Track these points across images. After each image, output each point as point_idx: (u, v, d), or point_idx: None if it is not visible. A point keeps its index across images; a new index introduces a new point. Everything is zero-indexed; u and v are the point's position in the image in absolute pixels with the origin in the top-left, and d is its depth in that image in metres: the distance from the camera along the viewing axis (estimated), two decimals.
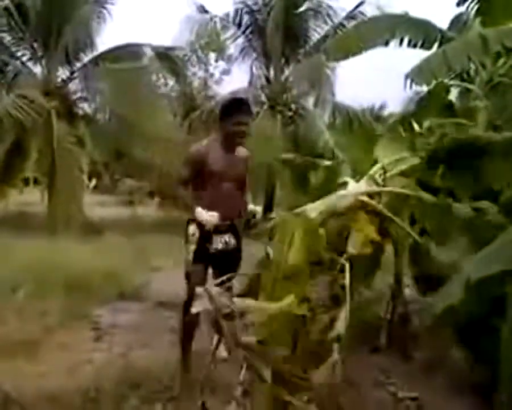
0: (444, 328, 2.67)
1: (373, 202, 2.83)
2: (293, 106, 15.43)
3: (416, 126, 5.25)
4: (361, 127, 14.01)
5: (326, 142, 13.76)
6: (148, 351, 4.08)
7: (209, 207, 3.41)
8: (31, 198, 18.09)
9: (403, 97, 14.35)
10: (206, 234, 3.43)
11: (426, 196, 3.15)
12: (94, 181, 27.61)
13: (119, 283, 6.01)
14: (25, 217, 13.47)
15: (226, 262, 3.46)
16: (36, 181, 19.79)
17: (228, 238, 3.53)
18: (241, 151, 3.63)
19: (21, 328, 4.30)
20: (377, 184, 3.02)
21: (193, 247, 3.45)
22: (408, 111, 6.20)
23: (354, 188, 2.94)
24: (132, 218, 14.23)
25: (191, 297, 3.29)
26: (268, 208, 14.13)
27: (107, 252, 7.49)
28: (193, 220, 3.46)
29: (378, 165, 3.19)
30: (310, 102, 15.40)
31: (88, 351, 4.18)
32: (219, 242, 3.48)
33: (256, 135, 13.79)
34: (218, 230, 3.45)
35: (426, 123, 5.29)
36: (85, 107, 14.47)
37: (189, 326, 3.48)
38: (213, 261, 3.52)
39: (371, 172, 3.09)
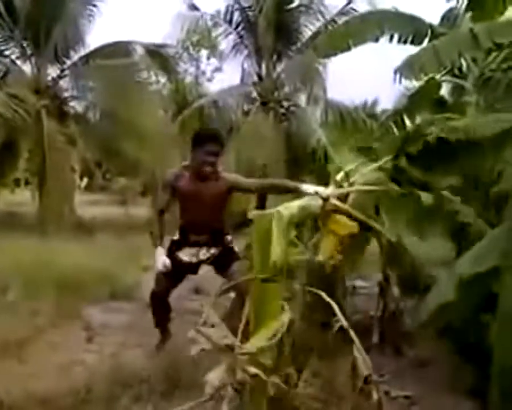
0: (436, 326, 2.65)
1: (341, 203, 2.81)
2: (285, 103, 15.41)
3: (408, 122, 5.26)
4: (353, 124, 14.06)
5: (318, 139, 13.75)
6: (139, 351, 4.05)
7: (184, 227, 3.92)
8: (21, 198, 17.98)
9: (396, 93, 14.38)
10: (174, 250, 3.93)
11: (394, 187, 3.19)
12: (85, 181, 27.52)
13: (111, 283, 5.97)
14: (16, 217, 13.38)
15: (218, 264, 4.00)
16: (27, 182, 19.68)
17: (204, 251, 3.91)
18: (219, 178, 3.84)
19: (12, 329, 4.25)
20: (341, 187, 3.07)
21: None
22: (400, 108, 6.21)
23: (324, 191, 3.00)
24: (124, 218, 14.18)
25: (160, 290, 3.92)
26: (261, 208, 14.11)
27: (99, 252, 7.45)
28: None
29: (341, 173, 3.33)
30: (302, 99, 15.39)
31: (79, 351, 4.16)
32: (191, 256, 3.90)
33: (248, 133, 13.82)
34: (194, 243, 3.90)
35: (418, 119, 5.30)
36: (76, 106, 14.38)
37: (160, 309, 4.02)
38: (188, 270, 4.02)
39: (337, 178, 3.20)
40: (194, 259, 3.92)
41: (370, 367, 2.03)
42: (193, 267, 4.01)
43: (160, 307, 4.01)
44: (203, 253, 3.92)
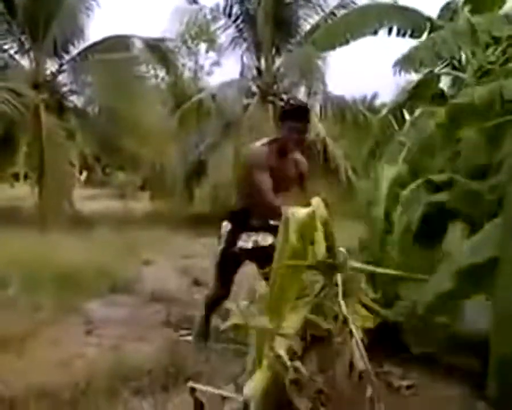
0: (435, 316, 2.67)
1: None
2: (284, 96, 15.38)
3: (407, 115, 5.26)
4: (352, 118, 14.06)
5: (317, 132, 13.75)
6: (140, 345, 4.06)
7: (246, 209, 3.67)
8: (21, 192, 17.97)
9: (395, 87, 14.38)
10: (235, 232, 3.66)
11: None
12: (84, 175, 27.49)
13: (111, 277, 5.98)
14: (15, 212, 13.37)
15: (262, 258, 3.52)
16: (26, 176, 19.67)
17: (261, 237, 3.62)
18: (296, 157, 3.72)
19: (12, 323, 4.26)
20: None
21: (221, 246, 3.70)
22: (400, 101, 6.22)
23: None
24: (124, 212, 14.18)
25: (217, 295, 3.87)
26: None
27: (98, 246, 7.45)
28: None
29: None
30: (301, 92, 15.37)
31: (79, 345, 4.16)
32: (249, 242, 3.63)
33: (247, 127, 13.79)
34: (251, 228, 3.64)
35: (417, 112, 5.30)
36: (75, 100, 14.36)
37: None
38: (245, 257, 3.71)
39: None
40: (250, 245, 3.63)
41: (366, 362, 2.05)
42: (251, 254, 3.67)
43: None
44: (262, 238, 3.62)
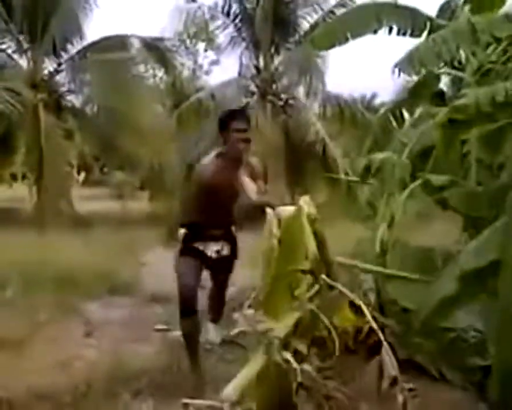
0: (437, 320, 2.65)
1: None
2: (283, 95, 15.37)
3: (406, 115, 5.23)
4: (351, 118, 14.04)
5: (317, 131, 13.74)
6: (139, 346, 4.05)
7: (199, 221, 3.56)
8: (19, 193, 17.93)
9: (395, 86, 14.37)
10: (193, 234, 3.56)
11: None
12: (83, 175, 27.44)
13: (109, 278, 5.97)
14: (13, 212, 13.35)
15: (220, 267, 3.67)
16: (24, 176, 19.65)
17: (221, 246, 3.61)
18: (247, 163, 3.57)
19: (11, 324, 4.25)
20: None
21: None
22: (399, 100, 6.19)
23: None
24: (122, 212, 14.15)
25: (186, 295, 3.44)
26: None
27: (97, 247, 7.44)
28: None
29: None
30: (300, 91, 15.36)
31: (78, 346, 4.16)
32: (212, 251, 3.57)
33: None
34: (211, 237, 3.57)
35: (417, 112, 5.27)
36: (73, 100, 14.32)
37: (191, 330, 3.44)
38: (205, 264, 3.59)
39: None
40: (214, 255, 3.59)
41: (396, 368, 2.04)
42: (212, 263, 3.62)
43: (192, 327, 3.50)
44: (222, 248, 3.62)
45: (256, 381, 2.18)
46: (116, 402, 3.11)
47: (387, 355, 2.09)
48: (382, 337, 2.13)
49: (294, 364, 2.04)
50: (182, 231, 3.57)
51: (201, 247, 3.54)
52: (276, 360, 2.05)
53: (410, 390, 3.16)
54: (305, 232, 2.34)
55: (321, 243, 2.43)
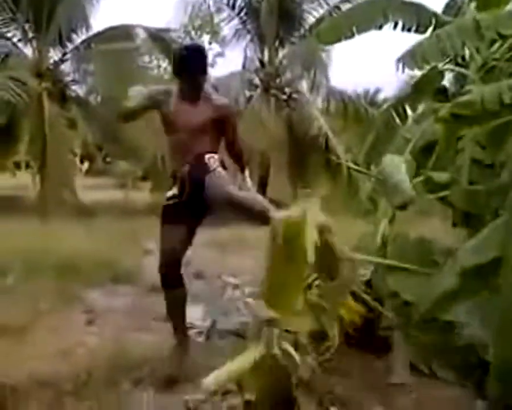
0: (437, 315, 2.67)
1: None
2: (287, 89, 15.35)
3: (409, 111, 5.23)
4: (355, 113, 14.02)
5: (320, 126, 13.73)
6: (140, 335, 4.08)
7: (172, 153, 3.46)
8: (22, 181, 17.97)
9: (398, 82, 14.33)
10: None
11: None
12: (86, 165, 27.45)
13: (112, 267, 5.99)
14: (17, 201, 13.38)
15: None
16: (28, 165, 19.68)
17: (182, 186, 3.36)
18: (212, 101, 3.40)
19: (13, 312, 4.27)
20: None
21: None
22: (402, 96, 6.19)
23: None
24: (125, 202, 14.18)
25: (167, 262, 3.47)
26: (261, 193, 14.11)
27: (100, 235, 7.46)
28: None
29: None
30: (304, 85, 15.33)
31: (80, 334, 4.17)
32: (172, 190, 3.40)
33: (249, 119, 13.77)
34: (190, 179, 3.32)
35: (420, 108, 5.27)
36: (77, 89, 14.34)
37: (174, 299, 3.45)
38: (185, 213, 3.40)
39: None
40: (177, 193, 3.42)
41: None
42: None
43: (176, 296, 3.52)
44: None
45: (255, 373, 2.20)
46: (117, 390, 3.14)
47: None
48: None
49: (296, 357, 2.05)
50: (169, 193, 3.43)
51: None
52: (275, 352, 2.06)
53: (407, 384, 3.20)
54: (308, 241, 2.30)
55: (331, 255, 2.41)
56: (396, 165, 3.18)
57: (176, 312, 3.47)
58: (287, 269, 2.24)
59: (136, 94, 3.43)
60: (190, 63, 3.28)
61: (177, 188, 3.37)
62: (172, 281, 3.44)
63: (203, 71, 3.36)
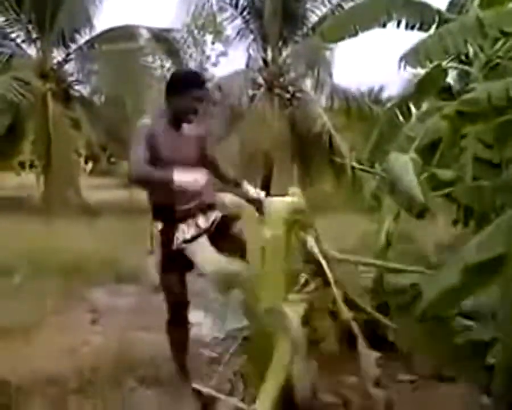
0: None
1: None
2: (290, 88, 15.34)
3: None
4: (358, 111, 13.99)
5: (323, 124, 13.72)
6: (145, 334, 4.08)
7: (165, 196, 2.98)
8: (27, 181, 18.02)
9: (402, 80, 14.31)
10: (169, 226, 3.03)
11: None
12: (90, 165, 27.51)
13: (116, 266, 6.01)
14: (21, 200, 13.43)
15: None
16: (32, 165, 19.73)
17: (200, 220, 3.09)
18: (194, 129, 3.14)
19: (18, 311, 4.29)
20: None
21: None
22: (406, 94, 6.18)
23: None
24: (129, 202, 14.18)
25: (175, 311, 3.24)
26: (265, 191, 14.09)
27: (104, 235, 7.48)
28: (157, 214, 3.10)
29: None
30: (308, 84, 15.33)
31: (85, 333, 4.19)
32: (188, 230, 3.04)
33: (253, 118, 13.78)
34: (183, 217, 3.03)
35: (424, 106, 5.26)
36: (81, 90, 14.38)
37: (180, 346, 3.25)
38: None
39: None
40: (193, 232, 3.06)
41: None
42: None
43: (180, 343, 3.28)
44: (202, 221, 3.10)
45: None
46: (121, 388, 3.15)
47: (365, 354, 2.11)
48: (358, 333, 2.16)
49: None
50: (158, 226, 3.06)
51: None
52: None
53: (411, 382, 3.20)
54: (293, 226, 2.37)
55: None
56: (404, 165, 3.15)
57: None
58: (278, 260, 2.26)
59: None
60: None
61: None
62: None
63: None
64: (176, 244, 3.01)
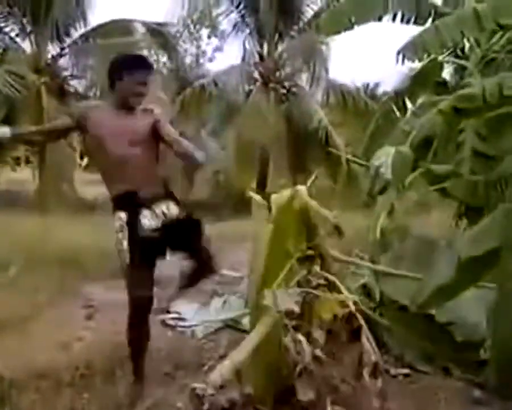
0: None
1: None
2: (286, 83, 15.33)
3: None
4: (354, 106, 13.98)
5: (319, 119, 13.71)
6: None
7: (113, 179, 2.94)
8: (22, 176, 17.97)
9: (398, 76, 14.29)
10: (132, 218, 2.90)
11: None
12: (85, 160, 27.40)
13: (111, 261, 5.98)
14: (16, 195, 13.38)
15: (177, 235, 3.02)
16: (27, 160, 19.67)
17: (160, 210, 2.97)
18: (146, 114, 3.01)
19: (12, 305, 4.28)
20: None
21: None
22: (401, 89, 6.18)
23: None
24: None
25: (138, 308, 3.16)
26: (261, 187, 14.11)
27: (99, 230, 7.44)
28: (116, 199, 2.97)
29: None
30: (303, 79, 15.31)
31: (79, 328, 4.18)
32: (148, 220, 2.92)
33: (249, 113, 13.75)
34: (141, 206, 2.91)
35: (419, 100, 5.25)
36: (76, 84, 14.32)
37: (139, 342, 3.15)
38: (162, 238, 2.98)
39: None
40: (158, 222, 2.95)
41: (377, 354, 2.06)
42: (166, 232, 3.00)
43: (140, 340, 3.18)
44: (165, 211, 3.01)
45: (253, 364, 2.20)
46: (115, 383, 3.15)
47: (367, 341, 2.11)
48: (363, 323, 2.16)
49: (304, 344, 2.05)
50: (120, 216, 2.94)
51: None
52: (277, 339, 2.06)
53: (406, 375, 3.21)
54: (297, 219, 2.36)
55: (313, 232, 2.43)
56: (383, 155, 3.14)
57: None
58: (278, 251, 2.25)
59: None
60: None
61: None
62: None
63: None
64: (143, 231, 2.89)
